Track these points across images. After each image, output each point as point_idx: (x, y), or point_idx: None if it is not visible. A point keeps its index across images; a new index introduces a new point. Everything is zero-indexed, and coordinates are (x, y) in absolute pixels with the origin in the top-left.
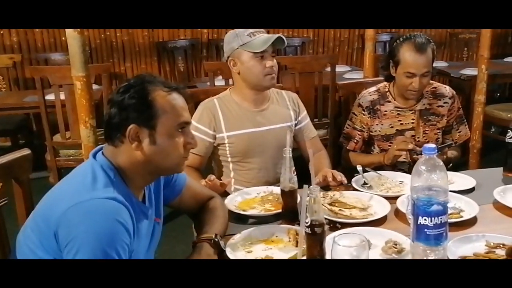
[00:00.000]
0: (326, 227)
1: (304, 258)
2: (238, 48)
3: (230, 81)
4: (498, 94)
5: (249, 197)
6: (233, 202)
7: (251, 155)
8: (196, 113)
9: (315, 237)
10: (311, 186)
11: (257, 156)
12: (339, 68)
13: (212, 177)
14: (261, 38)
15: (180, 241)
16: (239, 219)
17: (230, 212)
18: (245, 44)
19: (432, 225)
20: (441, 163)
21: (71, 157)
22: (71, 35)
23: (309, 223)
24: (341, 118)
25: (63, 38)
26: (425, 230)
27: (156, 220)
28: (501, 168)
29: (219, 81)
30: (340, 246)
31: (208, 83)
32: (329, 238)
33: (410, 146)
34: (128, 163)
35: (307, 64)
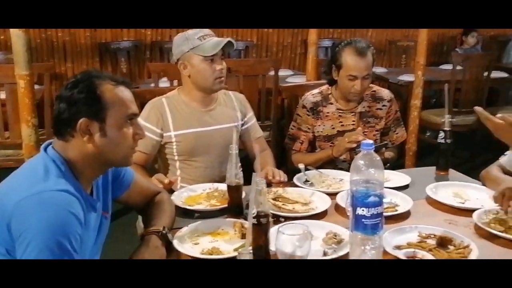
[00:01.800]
0: (270, 220)
1: (250, 248)
2: (188, 51)
3: (175, 83)
4: (434, 100)
5: (195, 193)
6: (180, 198)
7: (198, 154)
8: (144, 111)
9: (261, 227)
10: (257, 179)
11: (203, 155)
12: (282, 72)
13: (161, 175)
14: (211, 41)
15: (124, 241)
16: (186, 214)
17: (177, 207)
18: (196, 47)
19: (369, 215)
20: (378, 158)
21: (9, 157)
22: (16, 34)
23: (255, 214)
24: (283, 121)
25: (2, 37)
26: (363, 220)
27: (103, 214)
28: (434, 167)
29: (164, 83)
30: (285, 235)
31: (152, 85)
32: (273, 230)
33: (361, 138)
34: (79, 156)
35: (251, 67)
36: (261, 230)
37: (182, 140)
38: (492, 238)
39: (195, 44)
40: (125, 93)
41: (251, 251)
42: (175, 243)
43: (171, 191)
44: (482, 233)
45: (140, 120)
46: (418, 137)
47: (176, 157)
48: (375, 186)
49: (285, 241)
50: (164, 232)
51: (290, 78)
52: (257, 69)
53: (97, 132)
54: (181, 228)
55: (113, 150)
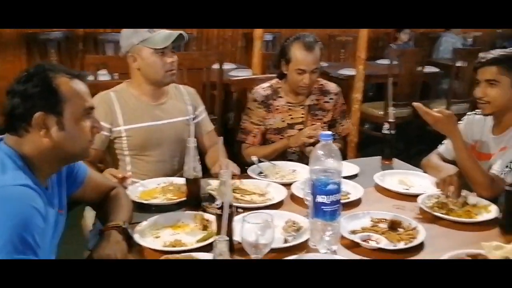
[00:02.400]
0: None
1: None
2: (138, 44)
3: (116, 76)
4: (371, 93)
5: (149, 188)
6: (135, 192)
7: (149, 149)
8: None
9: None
10: (221, 171)
11: (155, 149)
12: (225, 66)
13: (114, 170)
14: (162, 34)
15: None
16: (142, 209)
17: (133, 202)
18: (146, 40)
19: (329, 202)
20: (336, 148)
21: None
22: None
23: (219, 205)
24: (227, 115)
25: None
26: (322, 207)
27: (59, 211)
28: (379, 157)
29: (103, 76)
30: (250, 224)
31: (90, 78)
32: (237, 219)
33: (319, 132)
34: (35, 151)
35: (195, 60)
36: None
37: (132, 134)
38: (435, 220)
39: (145, 37)
40: (80, 86)
41: (227, 238)
42: (136, 237)
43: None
44: (427, 216)
45: None
46: (359, 130)
47: (126, 152)
48: (333, 174)
49: (249, 230)
50: (124, 226)
51: (234, 71)
52: (201, 62)
53: (54, 126)
54: (139, 222)
55: (71, 144)
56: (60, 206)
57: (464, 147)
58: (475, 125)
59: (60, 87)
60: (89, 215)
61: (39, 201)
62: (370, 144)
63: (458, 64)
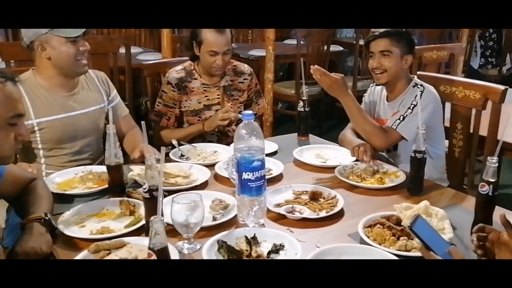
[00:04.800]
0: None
1: (143, 222)
2: (46, 32)
3: (12, 64)
4: (281, 73)
5: (67, 178)
6: (52, 183)
7: (64, 141)
8: None
9: (154, 200)
10: (147, 155)
11: (70, 142)
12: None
13: (25, 165)
14: None
15: None
16: (63, 199)
17: (52, 193)
18: (55, 28)
19: (254, 178)
20: (258, 126)
21: None
22: None
23: (147, 189)
24: (139, 99)
25: None
26: (249, 183)
27: None
28: (295, 134)
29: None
30: (179, 205)
31: None
32: (166, 201)
33: (232, 115)
34: None
35: (100, 44)
36: (154, 203)
37: (46, 128)
38: (351, 188)
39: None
40: (11, 91)
41: (163, 218)
42: (61, 228)
43: None
44: (343, 185)
45: None
46: (273, 109)
47: (40, 146)
48: (257, 152)
49: (179, 211)
50: (47, 218)
51: (142, 55)
52: (107, 47)
53: None
54: (61, 213)
55: None
56: None
57: (355, 105)
58: (374, 95)
59: None
60: None
61: None
62: (283, 122)
63: (361, 42)
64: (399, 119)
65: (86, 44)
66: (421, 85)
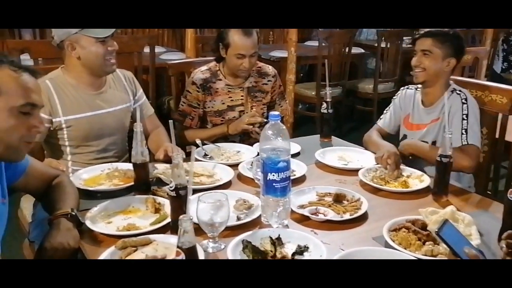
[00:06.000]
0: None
1: (169, 220)
2: (76, 32)
3: (40, 62)
4: (302, 74)
5: (94, 174)
6: (78, 180)
7: (90, 139)
8: None
9: (180, 199)
10: (174, 154)
11: (96, 140)
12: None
13: (54, 161)
14: None
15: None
16: (89, 196)
17: (79, 189)
18: (85, 28)
19: (279, 179)
20: (284, 127)
21: None
22: None
23: (173, 187)
24: (162, 99)
25: None
26: (274, 184)
27: (1, 200)
28: (318, 135)
29: (26, 62)
30: (205, 204)
31: None
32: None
33: (259, 120)
34: None
35: (125, 44)
36: (180, 202)
37: (73, 125)
38: (375, 191)
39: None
40: (24, 81)
41: (191, 217)
42: (88, 223)
43: None
44: (367, 188)
45: None
46: (293, 110)
47: (67, 143)
48: (282, 153)
49: (204, 210)
50: (73, 213)
51: (165, 55)
52: (132, 46)
53: None
54: (88, 209)
55: None
56: (2, 195)
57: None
58: (407, 98)
59: None
60: (26, 206)
61: None
62: (303, 123)
63: (382, 45)
64: (463, 133)
65: (114, 44)
66: (460, 91)
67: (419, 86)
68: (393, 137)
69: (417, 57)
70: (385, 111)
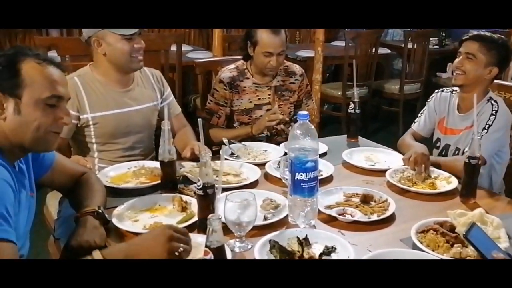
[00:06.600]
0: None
1: (195, 219)
2: (103, 29)
3: (67, 59)
4: (328, 74)
5: (120, 172)
6: (105, 177)
7: (117, 136)
8: None
9: (207, 198)
10: (202, 152)
11: (123, 137)
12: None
13: (81, 158)
14: None
15: None
16: (116, 193)
17: (105, 187)
18: None
19: (307, 179)
20: (313, 127)
21: None
22: None
23: (201, 186)
24: (188, 96)
25: None
26: (301, 184)
27: (30, 194)
28: (345, 135)
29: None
30: (232, 203)
31: None
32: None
33: (280, 116)
34: None
35: (153, 42)
36: (207, 200)
37: (100, 122)
38: (403, 192)
39: None
40: (50, 73)
41: (220, 216)
42: (114, 221)
43: None
44: (395, 189)
45: None
46: (319, 110)
47: (93, 140)
48: (311, 153)
49: (231, 209)
50: (100, 211)
51: (191, 53)
52: (159, 44)
53: (11, 108)
54: (115, 207)
55: (26, 131)
56: (31, 189)
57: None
58: (442, 101)
59: (24, 70)
60: (52, 203)
61: (9, 176)
62: (329, 123)
63: (409, 45)
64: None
65: (141, 42)
66: (495, 101)
67: (455, 89)
68: (428, 140)
69: (460, 59)
70: (419, 114)
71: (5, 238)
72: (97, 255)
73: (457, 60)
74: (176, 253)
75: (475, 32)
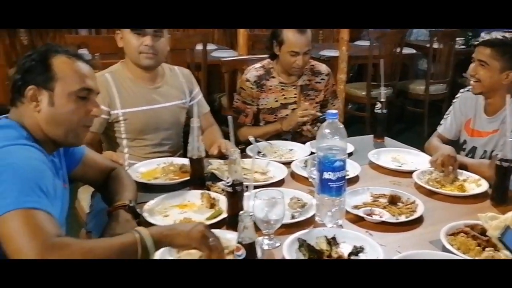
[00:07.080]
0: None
1: (225, 215)
2: None
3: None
4: (351, 74)
5: (150, 168)
6: (135, 173)
7: (146, 133)
8: None
9: (236, 195)
10: (231, 150)
11: (152, 133)
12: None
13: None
14: None
15: None
16: (146, 189)
17: (136, 182)
18: None
19: (335, 178)
20: (342, 126)
21: None
22: None
23: (230, 183)
24: (213, 95)
25: None
26: (329, 183)
27: (64, 185)
28: (371, 135)
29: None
30: (260, 200)
31: None
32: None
33: (312, 112)
34: (31, 124)
35: (178, 41)
36: (236, 197)
37: (130, 118)
38: (430, 194)
39: None
40: (80, 67)
41: (252, 213)
42: (145, 216)
43: None
44: (422, 190)
45: None
46: (344, 110)
47: (123, 135)
48: (339, 152)
49: (259, 207)
50: (131, 205)
51: (216, 52)
52: (185, 43)
53: (45, 101)
54: (145, 202)
55: (60, 123)
56: (64, 181)
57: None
58: (468, 101)
59: (55, 64)
60: (84, 197)
61: (47, 161)
62: (353, 123)
63: (435, 45)
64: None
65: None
66: None
67: None
68: (455, 141)
69: (474, 66)
70: (445, 116)
71: (45, 209)
72: (141, 228)
73: (471, 66)
74: (211, 240)
75: (486, 37)
